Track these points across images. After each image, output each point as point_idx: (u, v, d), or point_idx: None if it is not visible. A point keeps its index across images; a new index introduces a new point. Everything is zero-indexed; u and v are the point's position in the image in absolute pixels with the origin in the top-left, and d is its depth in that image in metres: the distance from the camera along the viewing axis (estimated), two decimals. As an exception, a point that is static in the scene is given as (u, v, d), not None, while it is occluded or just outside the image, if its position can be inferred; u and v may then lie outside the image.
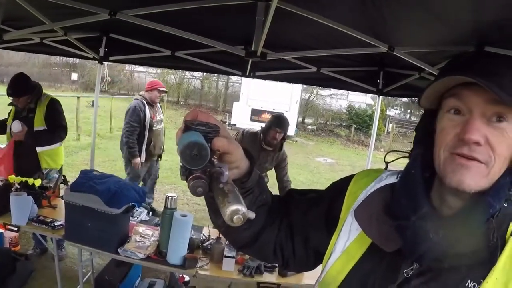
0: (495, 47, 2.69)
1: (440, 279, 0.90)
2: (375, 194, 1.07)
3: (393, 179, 1.08)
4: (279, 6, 2.39)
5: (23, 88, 4.27)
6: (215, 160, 0.88)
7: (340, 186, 1.18)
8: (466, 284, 0.86)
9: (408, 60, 3.19)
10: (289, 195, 1.27)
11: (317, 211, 1.18)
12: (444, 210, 0.94)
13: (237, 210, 0.76)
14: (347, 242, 1.05)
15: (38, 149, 4.36)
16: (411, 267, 0.93)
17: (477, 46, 2.79)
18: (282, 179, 4.82)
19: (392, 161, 1.22)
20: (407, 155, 1.05)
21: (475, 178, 0.86)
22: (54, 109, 4.43)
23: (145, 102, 5.64)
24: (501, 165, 0.87)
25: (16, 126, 4.10)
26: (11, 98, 4.29)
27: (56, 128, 4.40)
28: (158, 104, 5.96)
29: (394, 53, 3.07)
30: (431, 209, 0.94)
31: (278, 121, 4.60)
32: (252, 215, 0.82)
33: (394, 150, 1.18)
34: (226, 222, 0.78)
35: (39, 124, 4.33)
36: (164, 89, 5.83)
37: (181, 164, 0.84)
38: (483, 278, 0.85)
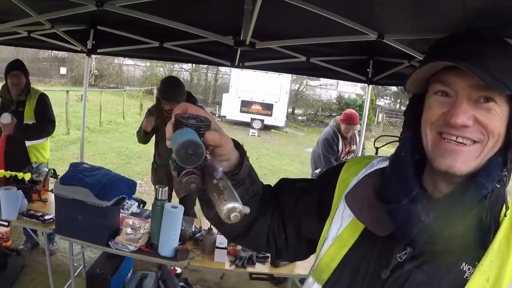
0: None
1: (434, 263, 0.90)
2: (365, 179, 1.07)
3: (384, 164, 1.08)
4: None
5: (22, 65, 4.43)
6: (207, 154, 0.89)
7: (331, 174, 1.18)
8: (461, 267, 0.87)
9: (398, 48, 3.17)
10: (280, 184, 1.28)
11: (308, 199, 1.18)
12: (436, 193, 0.95)
13: (234, 208, 0.77)
14: (340, 229, 1.05)
15: (27, 143, 4.35)
16: (404, 251, 0.93)
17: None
18: None
19: (382, 146, 1.22)
20: (397, 139, 1.07)
21: (466, 161, 0.86)
22: (44, 104, 4.46)
23: (339, 135, 5.49)
24: (494, 142, 0.87)
25: (6, 118, 4.05)
26: (10, 75, 4.32)
27: (45, 122, 4.41)
28: (355, 132, 5.67)
29: (384, 40, 3.05)
30: (422, 191, 0.94)
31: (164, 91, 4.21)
32: (247, 210, 0.81)
33: (384, 135, 1.19)
34: (222, 219, 0.79)
35: (29, 118, 4.34)
36: (357, 127, 5.52)
37: (172, 159, 0.85)
38: (478, 260, 0.85)
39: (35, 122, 4.36)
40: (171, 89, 4.08)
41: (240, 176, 1.03)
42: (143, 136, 4.32)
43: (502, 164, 0.89)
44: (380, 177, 1.03)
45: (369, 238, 0.98)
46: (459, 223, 0.86)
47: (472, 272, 0.85)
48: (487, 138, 0.86)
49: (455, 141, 0.86)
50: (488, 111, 0.86)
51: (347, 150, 5.51)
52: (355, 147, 5.64)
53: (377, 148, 1.18)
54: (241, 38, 2.83)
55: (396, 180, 0.96)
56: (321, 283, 1.03)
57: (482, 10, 2.42)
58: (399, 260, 0.93)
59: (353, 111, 5.54)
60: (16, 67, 4.34)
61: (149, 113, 4.37)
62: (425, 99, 0.96)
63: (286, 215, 1.19)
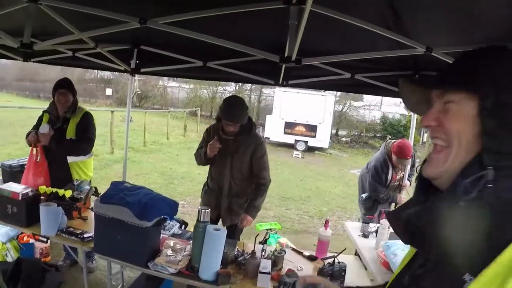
0: None
1: (437, 270, 0.94)
2: None
3: None
4: (313, 10, 2.30)
5: (70, 84, 4.54)
6: None
7: None
8: (463, 277, 0.85)
9: (446, 61, 3.02)
10: None
11: None
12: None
13: None
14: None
15: (69, 159, 4.40)
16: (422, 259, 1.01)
17: None
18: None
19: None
20: None
21: (434, 166, 0.97)
22: (86, 122, 4.51)
23: (389, 163, 5.25)
24: (464, 147, 0.91)
25: (45, 128, 4.18)
26: (57, 93, 4.42)
27: (82, 140, 4.44)
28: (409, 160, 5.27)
29: (432, 53, 2.92)
30: (425, 200, 0.99)
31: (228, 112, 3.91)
32: None
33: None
34: None
35: (71, 135, 4.40)
36: (409, 161, 5.22)
37: None
38: (481, 271, 0.82)
39: (73, 138, 4.42)
40: (235, 108, 3.87)
41: None
42: (205, 161, 4.12)
43: (479, 165, 0.88)
44: None
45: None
46: (461, 231, 0.85)
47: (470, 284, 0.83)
48: (453, 141, 0.92)
49: (434, 148, 0.98)
50: (446, 113, 0.95)
51: (397, 177, 5.29)
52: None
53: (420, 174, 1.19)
54: (286, 55, 2.73)
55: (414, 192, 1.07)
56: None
57: None
58: (417, 266, 1.02)
59: (407, 142, 5.14)
60: (63, 85, 4.42)
61: (207, 133, 4.17)
62: None
63: None
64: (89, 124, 4.52)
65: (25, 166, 4.32)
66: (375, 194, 5.24)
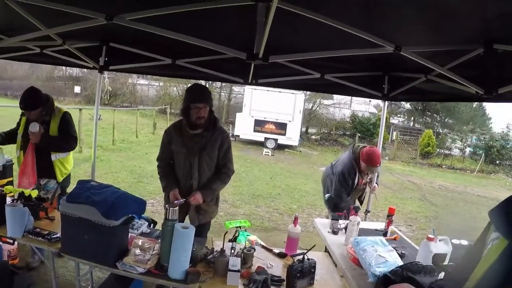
0: (503, 44, 2.66)
1: None
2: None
3: None
4: (280, 7, 2.31)
5: (35, 101, 4.32)
6: None
7: None
8: None
9: (416, 61, 3.08)
10: None
11: None
12: None
13: None
14: (488, 248, 1.16)
15: (52, 157, 4.50)
16: None
17: (486, 43, 2.75)
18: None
19: None
20: None
21: None
22: (67, 121, 4.55)
23: (356, 169, 5.09)
24: None
25: (34, 127, 4.17)
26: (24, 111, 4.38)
27: (68, 137, 4.52)
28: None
29: (401, 53, 2.96)
30: None
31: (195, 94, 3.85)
32: None
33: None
34: None
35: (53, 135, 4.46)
36: (378, 169, 5.15)
37: None
38: None
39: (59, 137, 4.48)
40: (201, 91, 3.85)
41: None
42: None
43: None
44: None
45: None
46: None
47: None
48: None
49: None
50: None
51: (363, 182, 5.29)
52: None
53: None
54: (254, 52, 2.73)
55: None
56: None
57: (501, 19, 2.37)
58: None
59: (376, 150, 5.02)
60: (23, 108, 4.32)
61: (166, 135, 4.05)
62: None
63: None
64: (69, 123, 4.57)
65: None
66: (337, 200, 5.19)
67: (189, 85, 4.13)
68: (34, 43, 4.38)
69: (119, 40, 4.45)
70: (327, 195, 5.36)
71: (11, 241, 3.22)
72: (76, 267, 3.38)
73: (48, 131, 4.37)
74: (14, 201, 3.42)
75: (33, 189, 3.63)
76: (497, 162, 26.01)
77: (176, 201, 3.63)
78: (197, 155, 3.85)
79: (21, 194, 3.55)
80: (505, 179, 22.51)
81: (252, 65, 4.27)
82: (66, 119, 4.53)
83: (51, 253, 3.36)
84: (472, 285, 1.04)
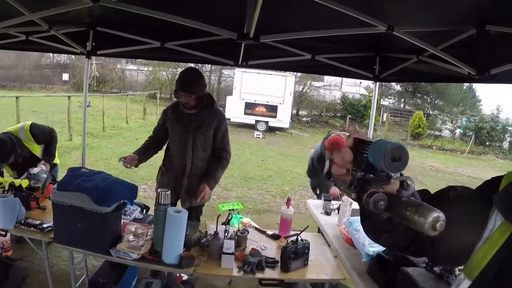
0: (495, 26, 2.65)
1: None
2: None
3: None
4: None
5: (3, 154, 4.28)
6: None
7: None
8: None
9: (408, 41, 3.05)
10: (443, 193, 1.31)
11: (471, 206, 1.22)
12: None
13: (438, 217, 0.79)
14: (492, 231, 1.08)
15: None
16: None
17: (478, 25, 2.72)
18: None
19: None
20: None
21: None
22: (36, 133, 4.53)
23: (325, 155, 5.07)
24: None
25: (42, 170, 4.07)
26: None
27: (49, 139, 4.65)
28: None
29: (394, 32, 2.93)
30: None
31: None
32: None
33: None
34: (425, 232, 0.81)
35: (38, 152, 4.56)
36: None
37: (353, 178, 0.92)
38: None
39: (43, 147, 4.59)
40: (192, 79, 3.81)
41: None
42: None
43: None
44: None
45: None
46: None
47: None
48: None
49: None
50: None
51: None
52: None
53: None
54: (244, 31, 2.68)
55: None
56: (471, 278, 1.06)
57: (495, 2, 2.35)
58: None
59: (338, 136, 4.84)
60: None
61: (163, 114, 4.11)
62: None
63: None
64: (39, 130, 4.58)
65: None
66: (311, 182, 5.63)
67: (179, 69, 4.09)
68: (19, 29, 4.24)
69: (106, 24, 4.35)
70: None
71: (3, 233, 3.18)
72: (70, 256, 3.36)
73: (32, 154, 4.48)
74: (5, 192, 3.38)
75: (23, 179, 3.58)
76: (487, 143, 26.16)
77: (126, 160, 3.85)
78: (192, 133, 3.83)
79: (12, 185, 3.51)
80: (494, 160, 22.67)
81: (243, 46, 4.22)
82: (33, 132, 4.48)
83: (44, 243, 3.33)
84: (477, 273, 1.03)
